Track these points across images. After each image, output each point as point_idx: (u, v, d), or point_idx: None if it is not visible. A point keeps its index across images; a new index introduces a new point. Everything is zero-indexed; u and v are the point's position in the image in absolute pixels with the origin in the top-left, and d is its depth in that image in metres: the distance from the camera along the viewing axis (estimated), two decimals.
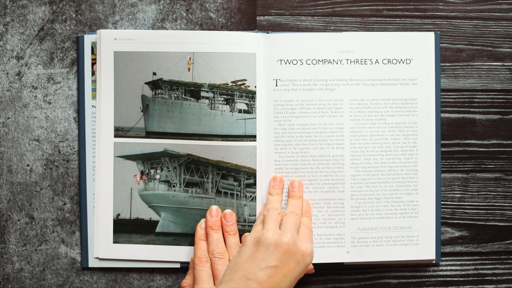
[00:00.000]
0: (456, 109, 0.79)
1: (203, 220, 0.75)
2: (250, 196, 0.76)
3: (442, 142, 0.79)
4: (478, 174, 0.80)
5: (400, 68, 0.76)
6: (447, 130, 0.79)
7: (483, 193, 0.80)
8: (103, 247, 0.76)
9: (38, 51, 0.78)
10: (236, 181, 0.76)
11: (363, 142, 0.76)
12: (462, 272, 0.80)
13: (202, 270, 0.71)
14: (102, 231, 0.76)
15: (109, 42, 0.76)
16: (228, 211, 0.75)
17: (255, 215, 0.76)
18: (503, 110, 0.79)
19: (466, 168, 0.79)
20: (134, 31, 0.76)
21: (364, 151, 0.76)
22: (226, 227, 0.74)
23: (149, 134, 0.76)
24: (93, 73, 0.78)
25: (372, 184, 0.76)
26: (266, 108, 0.76)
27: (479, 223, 0.80)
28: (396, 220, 0.76)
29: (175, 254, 0.76)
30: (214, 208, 0.75)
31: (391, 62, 0.76)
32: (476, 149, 0.79)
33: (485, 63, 0.79)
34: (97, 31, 0.76)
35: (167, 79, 0.76)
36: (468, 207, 0.80)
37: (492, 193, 0.80)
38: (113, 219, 0.77)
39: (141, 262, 0.77)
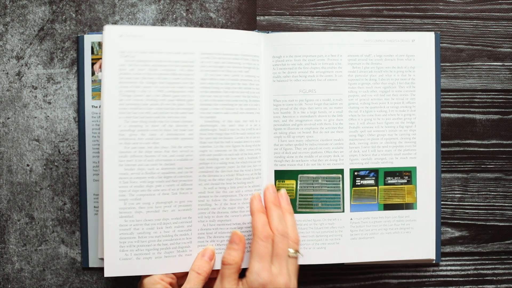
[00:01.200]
0: (456, 109, 0.79)
1: (256, 194, 0.71)
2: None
3: (442, 142, 0.79)
4: (478, 174, 0.80)
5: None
6: (447, 130, 0.79)
7: (483, 193, 0.80)
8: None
9: (38, 51, 0.78)
10: None
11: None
12: (462, 272, 0.80)
13: (266, 246, 0.66)
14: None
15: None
16: (283, 190, 0.72)
17: None
18: (503, 110, 0.79)
19: (466, 168, 0.79)
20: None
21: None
22: (286, 204, 0.71)
23: None
24: (93, 73, 0.78)
25: None
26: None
27: (479, 223, 0.80)
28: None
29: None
30: (271, 185, 0.72)
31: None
32: (476, 149, 0.79)
33: (485, 63, 0.79)
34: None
35: None
36: (468, 207, 0.80)
37: (492, 193, 0.80)
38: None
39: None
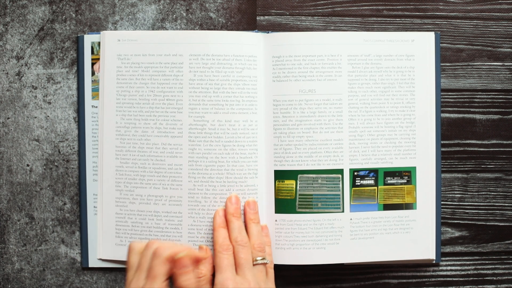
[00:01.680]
0: (456, 109, 0.79)
1: (220, 209, 0.73)
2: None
3: (442, 142, 0.79)
4: (478, 174, 0.80)
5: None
6: (447, 130, 0.79)
7: (483, 193, 0.80)
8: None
9: (38, 51, 0.78)
10: None
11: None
12: (462, 272, 0.80)
13: (226, 258, 0.69)
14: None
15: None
16: (251, 199, 0.74)
17: None
18: (503, 110, 0.79)
19: (466, 168, 0.79)
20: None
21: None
22: (250, 214, 0.73)
23: None
24: (93, 73, 0.78)
25: None
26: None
27: (479, 223, 0.80)
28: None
29: None
30: (234, 196, 0.74)
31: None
32: (476, 149, 0.79)
33: (485, 63, 0.79)
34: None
35: None
36: (468, 207, 0.80)
37: (492, 193, 0.80)
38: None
39: None
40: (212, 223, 0.74)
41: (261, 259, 0.70)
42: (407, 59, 0.76)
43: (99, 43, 0.78)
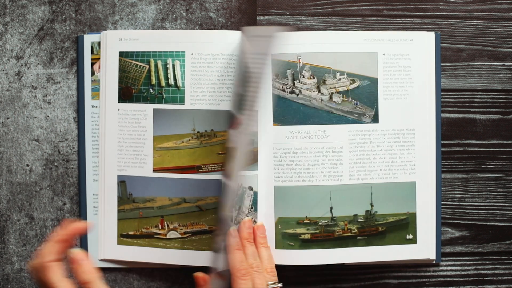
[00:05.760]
0: (456, 109, 0.79)
1: (232, 229, 0.72)
2: None
3: (442, 142, 0.79)
4: (478, 174, 0.79)
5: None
6: (447, 130, 0.79)
7: (484, 193, 0.80)
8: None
9: (38, 51, 0.78)
10: None
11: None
12: (463, 272, 0.80)
13: (246, 284, 0.69)
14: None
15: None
16: (260, 223, 0.75)
17: None
18: (503, 110, 0.79)
19: (467, 168, 0.79)
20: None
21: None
22: (260, 239, 0.74)
23: None
24: (93, 73, 0.78)
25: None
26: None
27: (479, 223, 0.80)
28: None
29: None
30: (247, 220, 0.74)
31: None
32: (476, 149, 0.79)
33: (486, 63, 0.79)
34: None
35: None
36: (468, 207, 0.80)
37: (493, 193, 0.80)
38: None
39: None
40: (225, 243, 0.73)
41: (273, 283, 0.71)
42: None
43: (99, 43, 0.78)
